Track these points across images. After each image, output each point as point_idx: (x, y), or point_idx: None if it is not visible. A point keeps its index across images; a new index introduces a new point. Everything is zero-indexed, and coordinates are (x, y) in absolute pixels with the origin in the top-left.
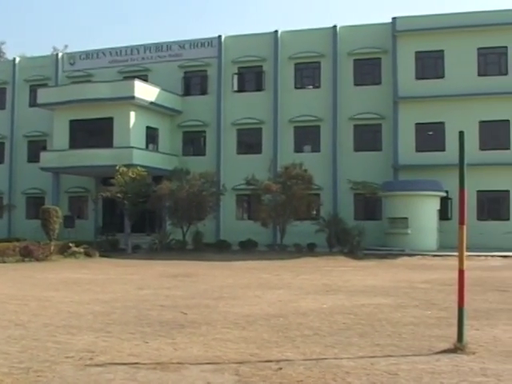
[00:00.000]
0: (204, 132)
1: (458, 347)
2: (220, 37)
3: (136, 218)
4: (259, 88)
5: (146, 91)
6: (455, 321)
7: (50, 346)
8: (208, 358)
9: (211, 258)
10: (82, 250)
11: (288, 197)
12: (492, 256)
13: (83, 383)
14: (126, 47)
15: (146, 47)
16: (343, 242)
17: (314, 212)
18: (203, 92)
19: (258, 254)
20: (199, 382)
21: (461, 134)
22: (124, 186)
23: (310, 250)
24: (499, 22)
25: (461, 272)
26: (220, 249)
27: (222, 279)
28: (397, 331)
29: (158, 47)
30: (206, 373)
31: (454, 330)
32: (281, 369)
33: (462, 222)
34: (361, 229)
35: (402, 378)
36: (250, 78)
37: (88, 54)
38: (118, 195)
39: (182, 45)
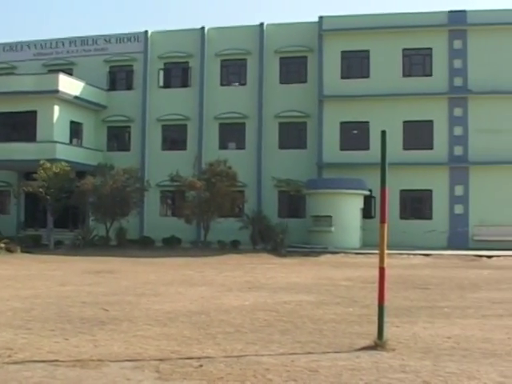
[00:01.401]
0: (129, 127)
1: (378, 344)
2: (146, 32)
3: (59, 213)
4: (185, 84)
5: (70, 85)
6: (376, 318)
7: None
8: (128, 355)
9: (134, 255)
10: (3, 246)
11: (212, 194)
12: (414, 254)
13: (1, 381)
14: (51, 40)
15: (72, 40)
16: (267, 239)
17: (238, 209)
18: (129, 87)
19: (182, 251)
20: (119, 379)
21: (383, 133)
22: (47, 180)
23: (234, 247)
24: (424, 23)
25: (381, 270)
26: (143, 245)
27: (145, 276)
28: (318, 328)
29: (84, 41)
30: (125, 370)
31: (375, 327)
32: (201, 366)
33: (383, 221)
34: (284, 226)
35: (322, 375)
36: (176, 74)
37: (12, 46)
38: (41, 190)
39: (107, 39)
